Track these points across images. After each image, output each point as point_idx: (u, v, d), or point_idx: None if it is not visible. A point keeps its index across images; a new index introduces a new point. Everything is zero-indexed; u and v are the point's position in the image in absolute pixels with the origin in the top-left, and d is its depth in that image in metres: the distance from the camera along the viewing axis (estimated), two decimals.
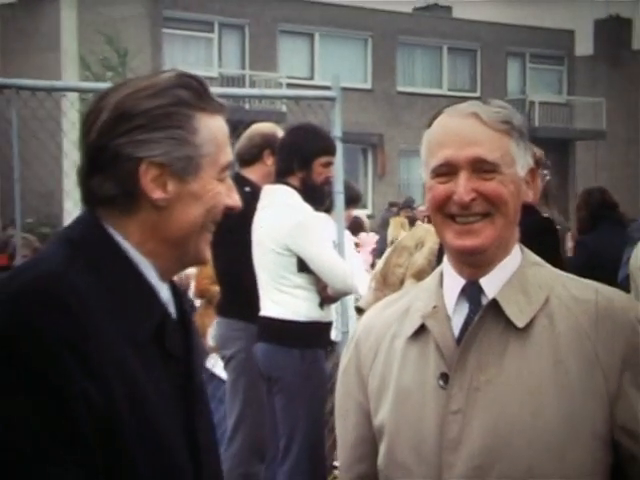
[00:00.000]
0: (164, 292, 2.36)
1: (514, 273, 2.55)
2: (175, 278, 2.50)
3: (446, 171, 2.51)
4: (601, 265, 7.76)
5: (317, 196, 6.51)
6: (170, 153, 2.29)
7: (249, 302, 6.50)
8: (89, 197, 2.33)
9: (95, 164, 2.30)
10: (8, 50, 37.90)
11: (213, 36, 39.26)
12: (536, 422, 2.43)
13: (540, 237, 5.09)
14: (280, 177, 6.45)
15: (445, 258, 2.62)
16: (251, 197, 6.46)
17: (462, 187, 2.47)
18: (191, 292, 8.80)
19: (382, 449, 2.59)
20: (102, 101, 2.32)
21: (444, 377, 2.49)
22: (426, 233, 5.53)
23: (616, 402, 2.45)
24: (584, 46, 52.60)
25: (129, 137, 2.27)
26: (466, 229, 2.49)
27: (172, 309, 2.39)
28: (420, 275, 5.27)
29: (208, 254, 2.39)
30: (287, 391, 6.33)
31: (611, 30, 53.10)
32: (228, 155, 2.37)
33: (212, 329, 7.57)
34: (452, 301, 2.56)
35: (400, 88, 42.21)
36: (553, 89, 47.59)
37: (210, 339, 7.74)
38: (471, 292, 2.55)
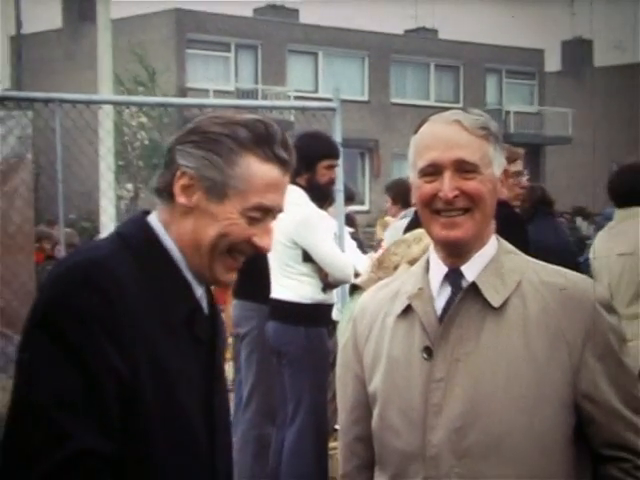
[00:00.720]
0: (199, 290, 2.35)
1: (491, 260, 2.55)
2: None
3: (432, 171, 2.50)
4: (541, 251, 7.81)
5: (321, 195, 6.50)
6: (201, 170, 2.27)
7: (261, 286, 6.50)
8: (155, 191, 2.37)
9: (165, 159, 2.35)
10: (54, 69, 37.95)
11: (230, 55, 39.20)
12: (509, 389, 2.43)
13: (510, 229, 5.08)
14: (290, 178, 6.43)
15: (431, 248, 2.63)
16: None
17: (447, 185, 2.47)
18: None
19: (375, 413, 2.59)
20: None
21: (427, 350, 2.49)
22: (424, 232, 5.54)
23: (578, 371, 2.45)
24: (553, 63, 52.61)
25: (183, 146, 2.29)
26: (450, 222, 2.49)
27: (204, 303, 2.37)
28: (414, 263, 5.28)
29: (225, 277, 2.33)
30: (294, 363, 6.33)
31: (576, 50, 53.09)
32: (264, 199, 2.30)
33: None
34: (436, 285, 2.56)
35: (393, 100, 42.18)
36: (526, 100, 47.53)
37: None
38: (453, 277, 2.55)
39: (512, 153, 6.10)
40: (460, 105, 43.63)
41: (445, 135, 2.51)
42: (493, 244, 2.58)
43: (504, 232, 5.46)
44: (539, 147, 45.71)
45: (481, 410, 2.43)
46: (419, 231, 5.48)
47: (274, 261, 6.42)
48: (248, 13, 43.58)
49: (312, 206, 6.35)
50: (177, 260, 2.30)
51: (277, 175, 2.33)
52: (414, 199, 2.58)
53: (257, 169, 2.29)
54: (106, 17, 8.57)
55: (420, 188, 2.53)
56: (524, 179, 6.30)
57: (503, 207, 5.26)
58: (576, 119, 47.28)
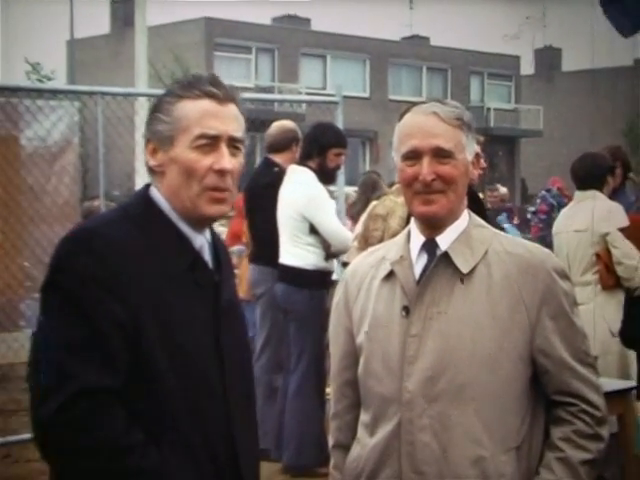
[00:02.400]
0: (198, 240, 2.30)
1: (462, 232, 2.53)
2: None
3: (413, 156, 2.49)
4: None
5: (328, 177, 6.49)
6: (152, 131, 2.28)
7: (275, 253, 6.47)
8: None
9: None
10: (102, 68, 37.96)
11: (251, 57, 39.16)
12: (474, 344, 2.42)
13: (470, 206, 5.03)
14: (302, 160, 6.43)
15: (412, 221, 2.60)
16: (279, 176, 6.47)
17: (425, 169, 2.46)
18: None
19: (361, 362, 2.58)
20: None
21: (405, 309, 2.47)
22: (395, 204, 5.51)
23: (535, 330, 2.45)
24: (527, 68, 52.68)
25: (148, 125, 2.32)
26: (427, 199, 2.48)
27: (206, 253, 2.32)
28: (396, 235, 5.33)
29: (211, 211, 2.26)
30: (298, 320, 6.32)
31: (546, 56, 53.23)
32: (204, 127, 2.25)
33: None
34: (415, 253, 2.54)
35: (390, 97, 42.03)
36: (504, 99, 47.45)
37: None
38: (429, 247, 2.53)
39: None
40: None
41: (424, 125, 2.49)
42: (465, 218, 2.57)
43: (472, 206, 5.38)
44: (515, 139, 45.73)
45: (449, 362, 2.42)
46: (389, 204, 5.47)
47: (284, 232, 6.40)
48: (267, 21, 43.52)
49: (320, 186, 6.33)
50: (173, 219, 2.27)
51: (210, 106, 2.27)
52: (398, 180, 2.58)
53: (190, 107, 2.26)
54: (142, 23, 8.54)
55: (403, 171, 2.52)
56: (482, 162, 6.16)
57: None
58: (546, 115, 47.27)
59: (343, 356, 2.67)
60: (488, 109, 45.62)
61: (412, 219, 2.61)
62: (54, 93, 7.69)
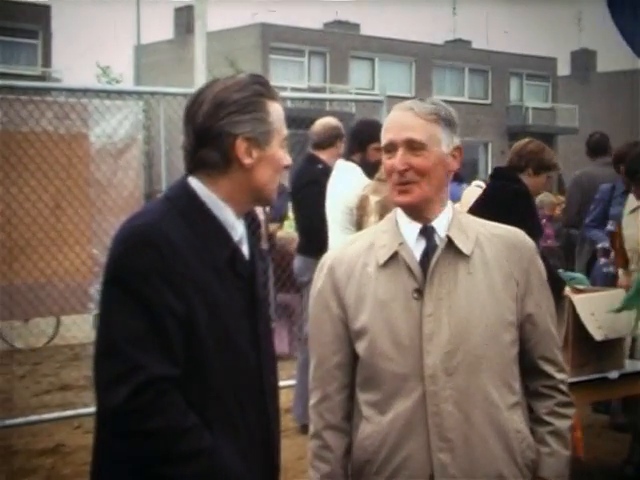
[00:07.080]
0: (239, 229, 2.32)
1: (452, 219, 2.55)
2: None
3: (390, 149, 2.52)
4: None
5: (371, 171, 6.42)
6: (256, 129, 2.25)
7: (319, 245, 6.46)
8: (194, 165, 2.28)
9: (203, 140, 2.25)
10: (167, 71, 38.27)
11: (304, 60, 39.25)
12: (481, 318, 2.48)
13: (520, 201, 4.94)
14: (347, 156, 6.41)
15: (398, 209, 2.60)
16: (323, 172, 6.47)
17: (398, 160, 2.50)
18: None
19: (364, 344, 2.53)
20: (201, 96, 2.27)
21: (418, 292, 2.48)
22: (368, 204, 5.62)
23: (524, 299, 2.55)
24: (563, 69, 52.22)
25: (227, 120, 2.23)
26: (402, 189, 2.51)
27: (245, 243, 2.34)
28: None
29: (275, 197, 2.37)
30: None
31: (582, 58, 52.97)
32: (286, 129, 2.33)
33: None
34: (413, 239, 2.54)
35: (435, 97, 41.65)
36: (542, 98, 47.15)
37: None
38: (427, 232, 2.54)
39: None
40: (488, 102, 43.51)
41: (400, 119, 2.53)
42: (450, 206, 2.59)
43: (515, 203, 5.23)
44: (552, 136, 45.38)
45: (463, 336, 2.46)
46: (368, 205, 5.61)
47: (336, 225, 6.35)
48: (319, 26, 43.58)
49: (364, 179, 6.28)
50: (215, 212, 2.26)
51: (281, 107, 2.35)
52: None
53: (277, 108, 2.31)
54: (202, 30, 8.59)
55: (384, 163, 2.56)
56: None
57: (515, 183, 5.15)
58: (581, 114, 46.88)
59: (332, 341, 2.59)
60: (527, 108, 45.35)
61: (398, 209, 2.61)
62: (120, 94, 7.79)
